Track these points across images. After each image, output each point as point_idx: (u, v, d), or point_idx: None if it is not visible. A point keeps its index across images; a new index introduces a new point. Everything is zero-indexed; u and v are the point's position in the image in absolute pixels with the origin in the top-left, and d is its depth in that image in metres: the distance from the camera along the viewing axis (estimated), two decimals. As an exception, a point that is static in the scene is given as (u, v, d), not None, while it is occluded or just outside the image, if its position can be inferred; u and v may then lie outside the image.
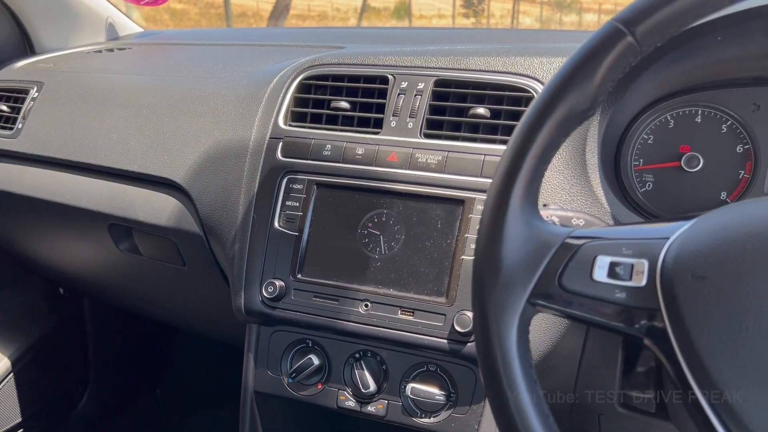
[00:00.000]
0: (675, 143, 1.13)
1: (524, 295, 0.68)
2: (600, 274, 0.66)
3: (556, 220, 0.82)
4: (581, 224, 0.82)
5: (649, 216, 1.12)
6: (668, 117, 1.14)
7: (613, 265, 0.65)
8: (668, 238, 0.65)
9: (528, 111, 0.69)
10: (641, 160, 1.15)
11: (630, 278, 0.64)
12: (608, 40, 0.64)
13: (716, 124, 1.11)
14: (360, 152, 1.15)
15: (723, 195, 1.10)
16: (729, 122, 1.10)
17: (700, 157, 1.10)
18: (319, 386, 1.16)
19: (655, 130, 1.14)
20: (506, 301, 0.68)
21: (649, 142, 1.14)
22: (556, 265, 0.68)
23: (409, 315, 1.07)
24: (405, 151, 1.12)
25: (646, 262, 0.64)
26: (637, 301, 0.64)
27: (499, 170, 0.70)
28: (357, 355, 1.14)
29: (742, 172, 1.09)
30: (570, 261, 0.67)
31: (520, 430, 0.65)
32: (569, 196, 1.03)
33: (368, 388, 1.11)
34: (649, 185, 1.14)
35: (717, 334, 0.59)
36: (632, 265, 0.65)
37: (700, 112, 1.12)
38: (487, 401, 1.07)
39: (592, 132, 1.04)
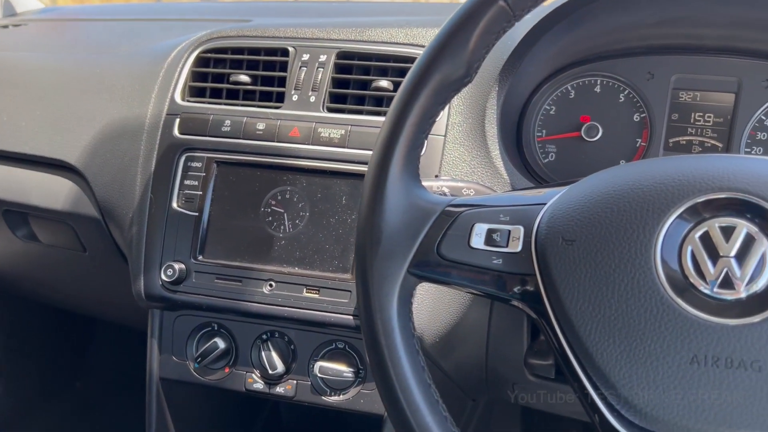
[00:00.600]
0: (576, 113, 1.14)
1: (404, 265, 0.67)
2: (477, 241, 0.66)
3: (446, 190, 0.82)
4: (471, 194, 0.82)
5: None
6: (569, 87, 1.14)
7: (490, 232, 0.66)
8: (545, 204, 0.65)
9: (404, 81, 0.68)
10: (544, 131, 1.15)
11: (506, 245, 0.65)
12: (480, 6, 0.63)
13: (614, 93, 1.12)
14: (261, 128, 1.11)
15: (622, 163, 1.12)
16: (626, 91, 1.12)
17: (600, 127, 1.12)
18: (227, 370, 1.13)
19: (557, 100, 1.15)
20: (387, 272, 0.67)
21: (551, 112, 1.15)
22: (435, 233, 0.67)
23: (315, 293, 1.05)
24: (307, 126, 1.09)
25: (521, 229, 0.65)
26: (513, 267, 0.64)
27: (378, 140, 0.69)
28: (264, 337, 1.11)
29: (639, 140, 1.11)
30: (449, 229, 0.67)
31: (401, 400, 0.65)
32: (470, 168, 1.03)
33: (276, 369, 1.09)
34: (551, 156, 1.15)
35: (585, 296, 0.60)
36: (509, 232, 0.65)
37: (598, 81, 1.13)
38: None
39: (491, 103, 1.04)
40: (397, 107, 0.68)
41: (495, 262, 0.65)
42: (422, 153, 0.71)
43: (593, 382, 0.60)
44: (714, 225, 0.59)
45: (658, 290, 0.58)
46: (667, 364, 0.57)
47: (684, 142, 1.10)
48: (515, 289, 0.65)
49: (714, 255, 0.58)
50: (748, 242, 0.57)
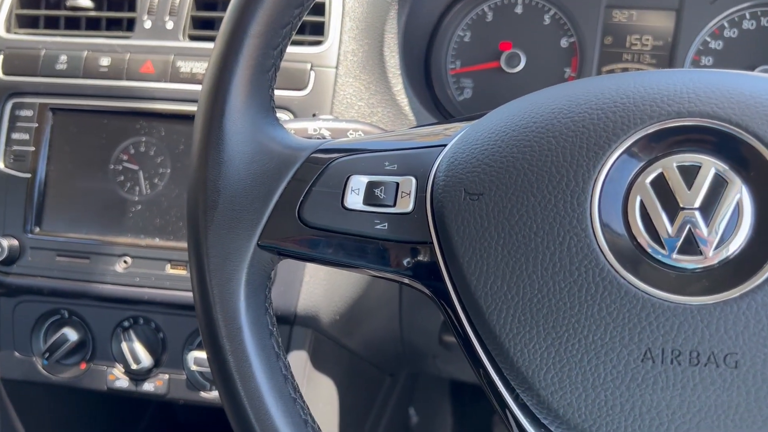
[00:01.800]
0: (494, 40, 0.96)
1: (252, 237, 0.48)
2: (354, 199, 0.48)
3: (326, 134, 0.62)
4: (360, 136, 0.63)
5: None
6: (485, 9, 0.96)
7: (371, 187, 0.48)
8: (445, 146, 0.47)
9: None
10: (458, 62, 0.97)
11: (394, 203, 0.47)
12: None
13: (538, 14, 0.95)
14: (105, 63, 0.88)
15: (548, 98, 0.95)
16: (551, 12, 0.94)
17: (522, 55, 0.94)
18: (83, 366, 0.93)
19: (472, 25, 0.96)
20: (228, 248, 0.48)
21: (465, 39, 0.97)
22: (296, 191, 0.49)
23: (181, 269, 0.86)
24: (163, 59, 0.88)
25: (413, 180, 0.47)
26: (403, 233, 0.47)
27: (210, 61, 0.49)
28: (125, 324, 0.91)
29: (568, 69, 0.94)
30: (314, 184, 0.49)
31: (255, 427, 0.47)
32: (368, 107, 0.84)
33: (141, 362, 0.89)
34: (467, 92, 0.97)
35: (497, 269, 0.43)
36: (396, 185, 0.47)
37: (520, 1, 0.95)
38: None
39: (390, 26, 0.84)
40: (234, 12, 0.48)
41: (378, 227, 0.48)
42: (274, 80, 0.51)
43: (509, 385, 0.43)
44: (671, 165, 0.42)
45: (597, 259, 0.41)
46: (611, 361, 0.41)
47: (619, 71, 0.93)
48: (405, 263, 0.48)
49: (672, 207, 0.41)
50: (717, 188, 0.41)
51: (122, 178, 0.89)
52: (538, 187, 0.43)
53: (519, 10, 0.95)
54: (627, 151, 0.42)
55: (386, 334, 1.04)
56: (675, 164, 0.42)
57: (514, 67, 0.94)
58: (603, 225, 0.42)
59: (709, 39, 0.90)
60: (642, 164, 0.42)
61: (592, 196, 0.42)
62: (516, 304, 0.43)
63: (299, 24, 0.50)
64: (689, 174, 0.41)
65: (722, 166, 0.41)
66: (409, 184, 0.47)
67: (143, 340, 0.91)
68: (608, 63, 0.94)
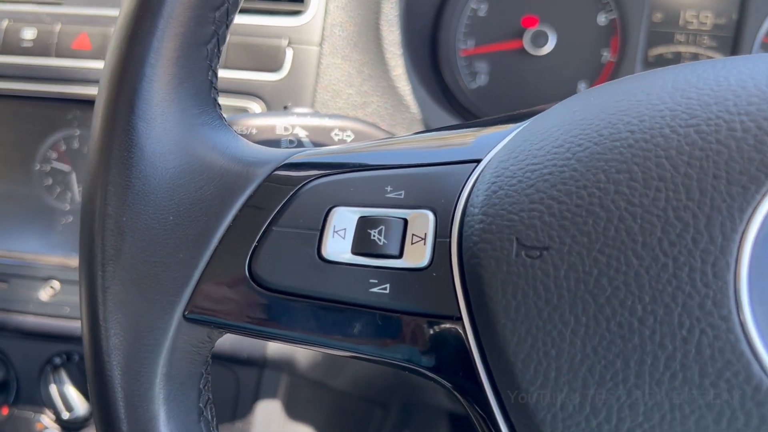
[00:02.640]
0: (516, 14, 0.78)
1: (176, 305, 0.32)
2: (338, 246, 0.31)
3: (302, 134, 0.44)
4: (349, 140, 0.45)
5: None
6: (506, -25, 0.78)
7: (365, 226, 0.31)
8: (478, 163, 0.30)
9: None
10: (471, 41, 0.79)
11: (400, 252, 0.31)
12: None
13: (571, -17, 0.77)
14: (29, 36, 0.71)
15: (581, 87, 0.77)
16: (588, -20, 0.76)
17: (550, 33, 0.76)
18: (5, 410, 0.76)
19: (489, -5, 0.78)
20: (137, 323, 0.32)
21: (480, 13, 0.79)
22: (247, 231, 0.32)
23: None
24: (103, 32, 0.70)
25: (430, 216, 0.31)
26: (414, 300, 0.30)
27: (116, 27, 0.32)
28: (56, 362, 0.74)
29: (606, 53, 0.77)
30: (276, 221, 0.32)
31: None
32: (360, 96, 0.66)
33: (74, 410, 0.72)
34: (481, 77, 0.79)
35: (573, 381, 0.26)
36: (404, 223, 0.31)
37: (549, -34, 0.77)
38: (254, 404, 0.72)
39: (389, -7, 0.66)
40: None
41: (375, 290, 0.31)
42: (216, 58, 0.34)
43: None
44: None
45: (749, 371, 0.25)
46: None
47: (671, 56, 0.76)
48: (417, 346, 0.31)
49: None
50: None
51: (50, 181, 0.73)
52: (645, 243, 0.26)
53: (548, -23, 0.77)
54: None
55: (375, 369, 0.87)
56: None
57: (540, 47, 0.77)
58: (756, 311, 0.25)
59: (784, 17, 0.73)
60: None
61: (738, 261, 0.25)
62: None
63: None
64: None
65: None
66: (424, 222, 0.30)
67: (77, 382, 0.74)
68: (657, 45, 0.76)
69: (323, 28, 0.68)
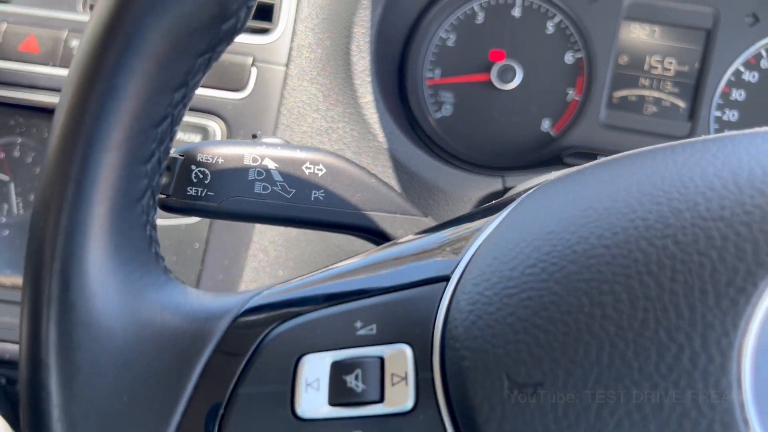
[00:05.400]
0: (484, 47, 0.77)
1: None
2: (313, 400, 0.28)
3: (271, 166, 0.42)
4: (320, 174, 0.42)
5: (445, 156, 0.76)
6: (476, 7, 0.77)
7: (339, 372, 0.28)
8: (448, 279, 0.29)
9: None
10: (438, 71, 0.78)
11: (380, 395, 0.27)
12: None
13: (540, 21, 0.77)
14: (-29, 35, 0.65)
15: (545, 124, 0.77)
16: (557, 19, 0.76)
17: (517, 68, 0.76)
18: None
19: (459, 26, 0.78)
20: None
21: (449, 43, 0.78)
22: (210, 401, 0.29)
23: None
24: (52, 36, 0.66)
25: (408, 352, 0.28)
26: None
27: (37, 198, 0.29)
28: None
29: (571, 91, 0.77)
30: (241, 383, 0.29)
31: None
32: (325, 121, 0.64)
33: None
34: (447, 108, 0.78)
35: None
36: (381, 362, 0.28)
37: (519, 2, 0.77)
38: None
39: (361, 17, 0.64)
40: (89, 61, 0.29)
41: None
42: (153, 215, 0.31)
43: None
44: None
45: None
46: None
47: (634, 99, 0.77)
48: None
49: None
50: None
51: (-15, 190, 0.66)
52: (641, 370, 0.24)
53: (517, 12, 0.77)
54: None
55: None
56: None
57: (507, 82, 0.76)
58: (765, 426, 0.23)
59: (743, 69, 0.74)
60: None
61: (740, 378, 0.23)
62: None
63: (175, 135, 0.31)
64: None
65: None
66: (403, 359, 0.28)
67: (5, 410, 0.68)
68: (621, 87, 0.77)
69: (291, 49, 0.65)
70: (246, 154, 0.42)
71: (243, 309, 0.30)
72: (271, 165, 0.42)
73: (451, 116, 0.79)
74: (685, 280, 0.24)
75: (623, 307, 0.25)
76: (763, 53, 0.74)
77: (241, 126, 0.63)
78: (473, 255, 0.29)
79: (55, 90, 0.65)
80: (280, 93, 0.65)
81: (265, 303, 0.30)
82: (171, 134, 0.31)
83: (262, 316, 0.30)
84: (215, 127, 0.63)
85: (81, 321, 0.28)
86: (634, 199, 0.27)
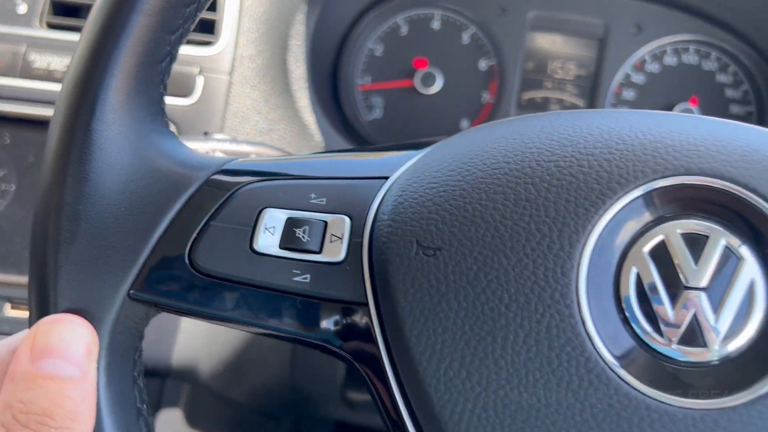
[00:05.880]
0: (408, 56, 0.86)
1: (122, 284, 0.36)
2: (268, 241, 0.37)
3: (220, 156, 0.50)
4: (263, 163, 0.51)
5: (376, 151, 0.85)
6: (400, 21, 0.87)
7: (291, 225, 0.37)
8: (388, 178, 0.37)
9: None
10: (368, 78, 0.87)
11: (320, 248, 0.36)
12: None
13: (456, 33, 0.87)
14: (-67, 50, 0.70)
15: (464, 124, 0.87)
16: (471, 31, 0.86)
17: (438, 75, 0.85)
18: None
19: (386, 38, 0.87)
20: (86, 299, 0.36)
21: (377, 53, 0.87)
22: (188, 225, 0.37)
23: (25, 309, 0.69)
24: (12, 50, 0.71)
25: (347, 221, 0.37)
26: (330, 288, 0.36)
27: (81, 40, 0.37)
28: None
29: (486, 94, 0.87)
30: (214, 217, 0.37)
31: None
32: (266, 123, 0.71)
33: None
34: (377, 111, 0.87)
35: (456, 352, 0.33)
36: (324, 225, 0.37)
37: (438, 16, 0.86)
38: None
39: (296, 30, 0.73)
40: None
41: (298, 279, 0.36)
42: (167, 75, 0.39)
43: None
44: (675, 231, 0.34)
45: (582, 345, 0.32)
46: None
47: (540, 100, 0.87)
48: (330, 327, 0.37)
49: (674, 285, 0.33)
50: (728, 265, 0.33)
51: (-51, 193, 0.71)
52: (512, 247, 0.33)
53: (436, 26, 0.87)
54: (623, 211, 0.34)
55: (275, 382, 0.91)
56: (679, 231, 0.33)
57: (428, 87, 0.86)
58: (591, 302, 0.33)
59: (631, 72, 0.86)
60: (640, 229, 0.34)
61: (579, 264, 0.33)
62: (476, 397, 0.33)
63: (207, 4, 0.39)
64: (696, 245, 0.33)
65: (734, 239, 0.33)
66: (341, 225, 0.37)
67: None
68: (529, 90, 0.87)
69: (233, 59, 0.73)
70: (200, 148, 0.50)
71: (222, 168, 0.38)
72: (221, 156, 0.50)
73: (381, 118, 0.87)
74: (557, 191, 0.34)
75: (509, 203, 0.34)
76: (647, 58, 0.86)
77: (191, 128, 0.70)
78: (410, 165, 0.37)
79: (15, 100, 0.70)
80: (225, 98, 0.72)
81: (241, 168, 0.39)
82: (194, 17, 0.39)
83: (238, 175, 0.38)
84: (167, 130, 0.70)
85: (97, 141, 0.35)
86: (535, 135, 0.36)
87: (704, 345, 0.32)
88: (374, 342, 0.35)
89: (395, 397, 0.35)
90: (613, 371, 0.32)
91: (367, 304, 0.35)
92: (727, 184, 0.34)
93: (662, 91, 0.86)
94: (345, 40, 0.85)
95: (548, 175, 0.34)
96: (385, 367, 0.35)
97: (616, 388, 0.32)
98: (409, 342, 0.33)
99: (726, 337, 0.32)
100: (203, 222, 0.37)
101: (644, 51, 0.85)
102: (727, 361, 0.32)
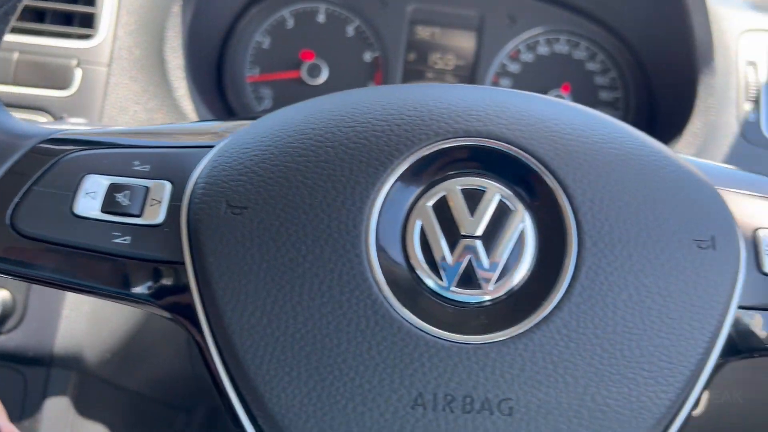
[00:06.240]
0: (295, 49, 0.89)
1: None
2: (88, 205, 0.39)
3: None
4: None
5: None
6: (286, 15, 0.89)
7: (113, 190, 0.39)
8: (212, 148, 0.40)
9: None
10: (256, 69, 0.89)
11: (140, 212, 0.39)
12: None
13: (341, 26, 0.90)
14: None
15: (351, 113, 0.90)
16: (355, 24, 0.90)
17: (324, 66, 0.89)
18: None
19: (272, 31, 0.89)
20: None
21: (264, 46, 0.89)
22: (9, 190, 0.39)
23: None
24: None
25: (168, 186, 0.39)
26: (149, 249, 0.39)
27: None
28: None
29: (371, 84, 0.90)
30: (36, 183, 0.39)
31: None
32: (145, 112, 0.73)
33: None
34: (267, 102, 0.90)
35: (257, 299, 0.36)
36: (146, 190, 0.39)
37: (322, 9, 0.90)
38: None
39: (172, 23, 0.75)
40: None
41: (118, 240, 0.39)
42: None
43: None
44: (455, 188, 0.38)
45: (369, 289, 0.36)
46: (378, 408, 0.35)
47: (422, 89, 0.91)
48: (150, 286, 0.39)
49: (453, 234, 0.37)
50: (502, 215, 0.37)
51: None
52: (310, 204, 0.36)
53: (321, 19, 0.90)
54: (410, 169, 0.37)
55: (175, 370, 0.93)
56: (459, 187, 0.37)
57: (315, 78, 0.89)
58: (380, 251, 0.36)
59: (507, 62, 0.91)
60: (425, 186, 0.38)
61: (369, 218, 0.36)
62: (276, 341, 0.36)
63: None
64: (474, 199, 0.37)
65: (507, 192, 0.37)
66: (162, 190, 0.39)
67: None
68: (411, 80, 0.91)
69: (112, 51, 0.74)
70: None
71: (48, 137, 0.40)
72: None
73: (270, 109, 0.90)
74: (352, 153, 0.37)
75: (310, 164, 0.37)
76: (522, 48, 0.91)
77: (69, 118, 0.71)
78: (235, 135, 0.40)
79: None
80: (104, 90, 0.73)
81: (67, 137, 0.41)
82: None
83: (63, 144, 0.40)
84: (43, 120, 0.71)
85: None
86: (343, 105, 0.40)
87: (479, 287, 0.36)
88: (191, 298, 0.38)
89: (210, 348, 0.37)
90: (398, 312, 0.35)
91: (183, 263, 0.38)
92: (502, 144, 0.38)
93: (536, 79, 0.91)
94: (230, 32, 0.88)
95: (346, 139, 0.38)
96: (200, 321, 0.38)
97: (399, 327, 0.35)
98: (216, 294, 0.36)
99: (497, 280, 0.36)
100: (26, 187, 0.39)
101: (518, 41, 0.90)
102: (499, 302, 0.36)
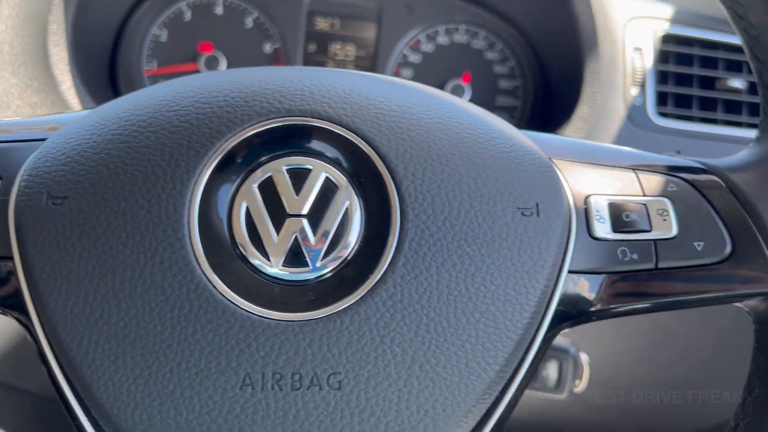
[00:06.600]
0: (193, 41, 0.89)
1: None
2: None
3: None
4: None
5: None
6: (183, 7, 0.89)
7: None
8: (44, 141, 0.40)
9: None
10: (154, 63, 0.88)
11: None
12: None
13: (239, 17, 0.90)
14: None
15: (253, 105, 0.90)
16: (254, 15, 0.90)
17: (222, 58, 0.88)
18: None
19: (169, 24, 0.88)
20: None
21: (161, 39, 0.88)
22: None
23: None
24: None
25: None
26: None
27: None
28: None
29: (273, 76, 0.90)
30: None
31: None
32: (29, 107, 0.72)
33: None
34: (166, 96, 0.88)
35: (79, 287, 0.36)
36: None
37: (220, 2, 0.89)
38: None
39: (56, 16, 0.73)
40: None
41: None
42: None
43: (98, 426, 0.36)
44: (281, 167, 0.38)
45: (192, 273, 0.36)
46: (206, 391, 0.35)
47: (323, 80, 0.91)
48: None
49: (279, 214, 0.37)
50: (328, 194, 0.38)
51: None
52: (130, 190, 0.36)
53: (219, 11, 0.89)
54: (233, 150, 0.38)
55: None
56: (285, 167, 0.38)
57: (212, 70, 0.88)
58: (205, 234, 0.36)
59: (408, 52, 0.92)
60: (250, 167, 0.38)
61: (191, 201, 0.36)
62: (100, 330, 0.35)
63: None
64: (300, 178, 0.38)
65: (333, 171, 0.38)
66: None
67: None
68: (313, 71, 0.91)
69: (-7, 45, 0.73)
70: None
71: None
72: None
73: (170, 103, 0.89)
74: (173, 137, 0.37)
75: (131, 150, 0.37)
76: (422, 39, 0.92)
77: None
78: (66, 128, 0.40)
79: None
80: (-15, 84, 0.72)
81: None
82: None
83: None
84: None
85: None
86: (169, 91, 0.40)
87: (305, 265, 0.37)
88: (19, 291, 0.37)
89: (40, 341, 0.37)
90: (222, 294, 0.36)
91: (12, 257, 0.37)
92: (326, 122, 0.38)
93: (437, 69, 0.92)
94: (124, 25, 0.86)
95: (167, 123, 0.38)
96: (30, 314, 0.37)
97: (224, 309, 0.35)
98: (39, 286, 0.36)
99: (323, 258, 0.37)
100: None
101: (417, 31, 0.91)
102: (326, 278, 0.37)
